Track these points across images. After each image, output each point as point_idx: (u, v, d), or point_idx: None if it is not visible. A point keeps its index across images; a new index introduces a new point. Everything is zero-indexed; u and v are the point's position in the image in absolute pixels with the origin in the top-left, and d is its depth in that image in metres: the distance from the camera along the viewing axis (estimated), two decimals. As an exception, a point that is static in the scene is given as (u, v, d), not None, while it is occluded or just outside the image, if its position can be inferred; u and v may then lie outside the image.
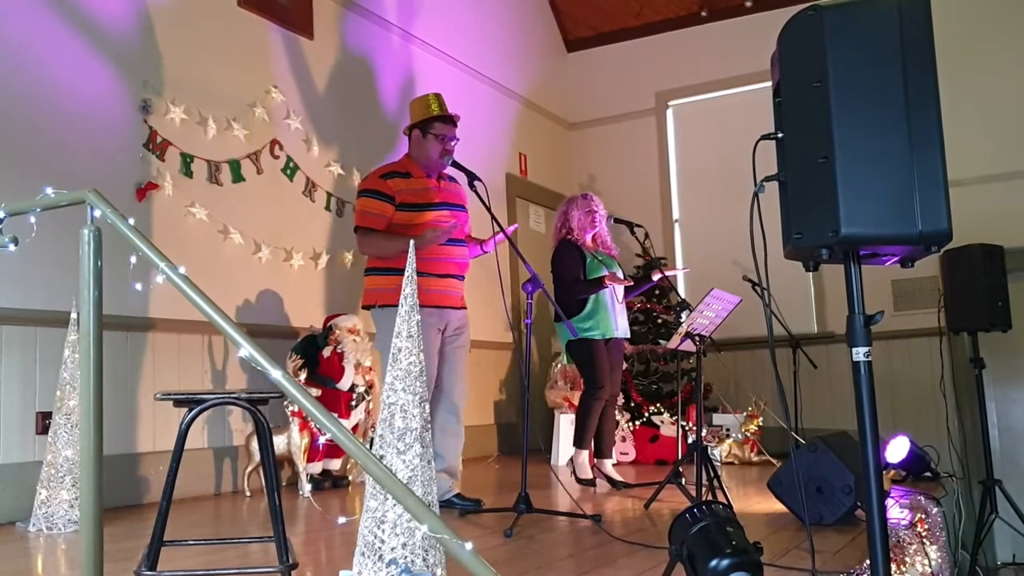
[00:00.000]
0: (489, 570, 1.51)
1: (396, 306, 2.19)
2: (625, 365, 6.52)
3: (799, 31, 2.05)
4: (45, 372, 4.04)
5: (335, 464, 5.05)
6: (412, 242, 2.28)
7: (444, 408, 3.99)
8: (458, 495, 4.01)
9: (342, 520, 3.51)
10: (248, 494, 4.64)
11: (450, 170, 4.14)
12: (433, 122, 4.08)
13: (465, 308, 4.16)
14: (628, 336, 5.08)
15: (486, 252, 4.15)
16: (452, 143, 4.10)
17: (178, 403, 2.28)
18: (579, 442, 4.87)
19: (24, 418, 4.00)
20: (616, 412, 5.39)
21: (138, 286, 1.93)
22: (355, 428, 5.02)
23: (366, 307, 4.09)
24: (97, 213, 1.82)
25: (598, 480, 4.90)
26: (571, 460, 4.98)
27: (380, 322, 4.01)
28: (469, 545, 1.51)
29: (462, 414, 4.14)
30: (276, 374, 1.70)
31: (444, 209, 4.06)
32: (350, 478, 5.07)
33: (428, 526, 1.58)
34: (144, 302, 4.48)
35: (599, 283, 4.74)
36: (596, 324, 4.80)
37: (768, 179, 2.07)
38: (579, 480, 4.80)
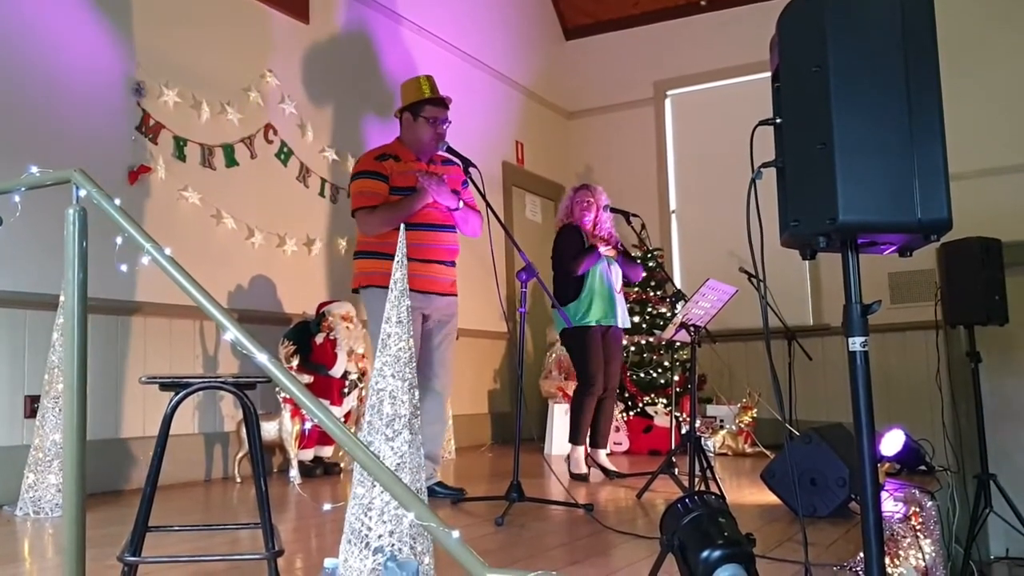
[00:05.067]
0: (476, 558, 1.49)
1: (383, 287, 2.16)
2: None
3: (799, 15, 2.01)
4: (34, 356, 4.00)
5: (327, 451, 5.03)
6: (402, 226, 2.24)
7: (427, 394, 3.95)
8: (439, 483, 3.99)
9: (327, 507, 3.49)
10: (239, 480, 4.62)
11: (444, 154, 4.09)
12: (424, 105, 4.03)
13: (455, 295, 4.12)
14: (628, 326, 5.04)
15: (461, 206, 4.03)
16: (444, 126, 4.04)
17: (164, 387, 2.24)
18: (573, 438, 4.85)
19: (12, 402, 3.97)
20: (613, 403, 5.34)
21: (123, 268, 1.89)
22: (348, 415, 5.00)
23: (355, 290, 4.06)
24: (82, 193, 1.78)
25: (592, 470, 4.89)
26: (568, 455, 4.97)
27: (369, 303, 3.98)
28: (456, 533, 1.49)
29: (447, 402, 4.10)
30: (261, 358, 1.66)
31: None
32: (342, 465, 5.04)
33: (415, 514, 1.55)
34: (135, 286, 4.44)
35: (592, 250, 4.76)
36: (591, 310, 4.77)
37: (766, 165, 2.03)
38: (573, 475, 4.78)
